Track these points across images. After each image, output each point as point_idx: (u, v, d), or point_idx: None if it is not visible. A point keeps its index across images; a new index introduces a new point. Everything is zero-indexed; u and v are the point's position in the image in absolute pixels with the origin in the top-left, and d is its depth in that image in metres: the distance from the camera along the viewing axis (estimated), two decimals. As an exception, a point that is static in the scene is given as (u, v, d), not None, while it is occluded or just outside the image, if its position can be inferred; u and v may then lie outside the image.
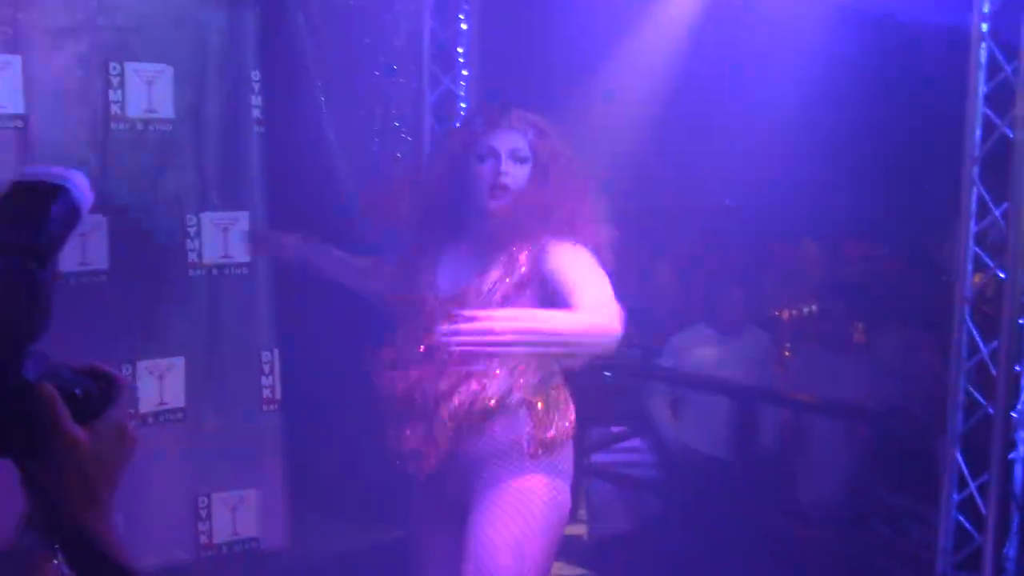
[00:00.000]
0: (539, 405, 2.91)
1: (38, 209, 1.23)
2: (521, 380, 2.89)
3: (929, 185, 5.89)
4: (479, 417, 2.87)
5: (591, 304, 2.64)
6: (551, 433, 2.91)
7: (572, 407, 3.01)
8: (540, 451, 2.89)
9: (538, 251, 2.85)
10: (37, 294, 1.16)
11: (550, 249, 2.84)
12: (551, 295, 2.79)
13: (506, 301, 2.84)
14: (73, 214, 1.26)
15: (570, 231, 2.86)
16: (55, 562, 1.28)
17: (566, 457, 2.98)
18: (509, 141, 2.91)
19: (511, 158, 2.90)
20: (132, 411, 3.72)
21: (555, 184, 2.90)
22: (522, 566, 2.83)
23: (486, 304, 2.82)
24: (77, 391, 1.23)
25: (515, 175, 2.89)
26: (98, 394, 1.25)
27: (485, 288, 2.87)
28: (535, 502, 2.88)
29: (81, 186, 1.27)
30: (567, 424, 2.97)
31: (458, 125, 3.01)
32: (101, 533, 1.24)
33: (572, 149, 3.01)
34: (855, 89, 5.42)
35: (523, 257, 2.86)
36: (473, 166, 2.92)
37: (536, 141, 2.92)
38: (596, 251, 2.85)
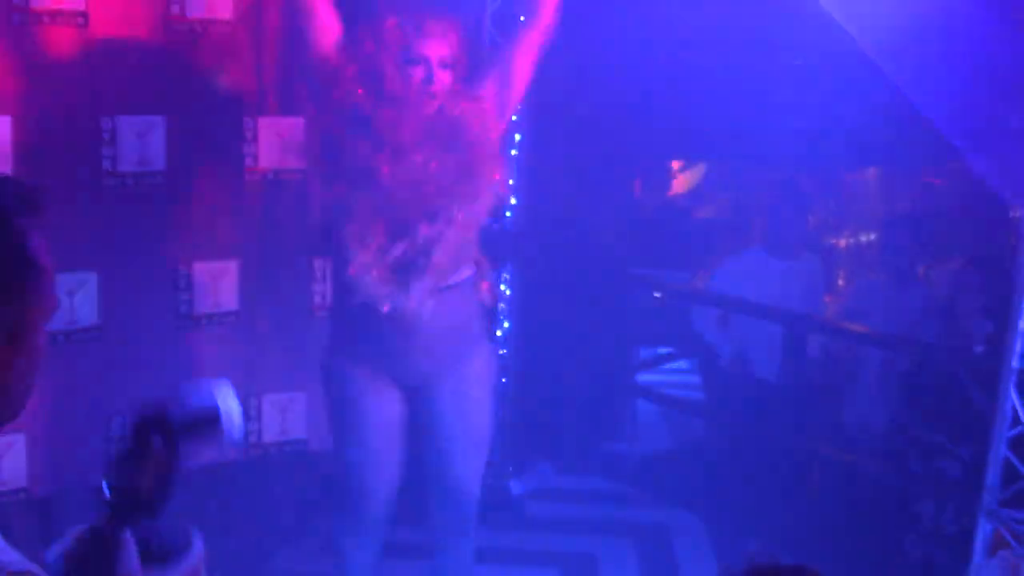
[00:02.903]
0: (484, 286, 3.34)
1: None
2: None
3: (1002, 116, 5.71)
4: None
5: None
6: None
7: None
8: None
9: None
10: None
11: None
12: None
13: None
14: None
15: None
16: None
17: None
18: (438, 48, 2.99)
19: (440, 65, 2.98)
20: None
21: (470, 89, 3.12)
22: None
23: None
24: (154, 545, 1.42)
25: (442, 82, 3.01)
26: (173, 550, 1.44)
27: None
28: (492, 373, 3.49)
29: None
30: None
31: (382, 26, 3.03)
32: None
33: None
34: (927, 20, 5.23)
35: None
36: (402, 70, 2.97)
37: (457, 49, 3.06)
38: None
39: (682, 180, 7.63)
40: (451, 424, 3.36)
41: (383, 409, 3.30)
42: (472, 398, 3.39)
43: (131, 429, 1.44)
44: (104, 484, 1.37)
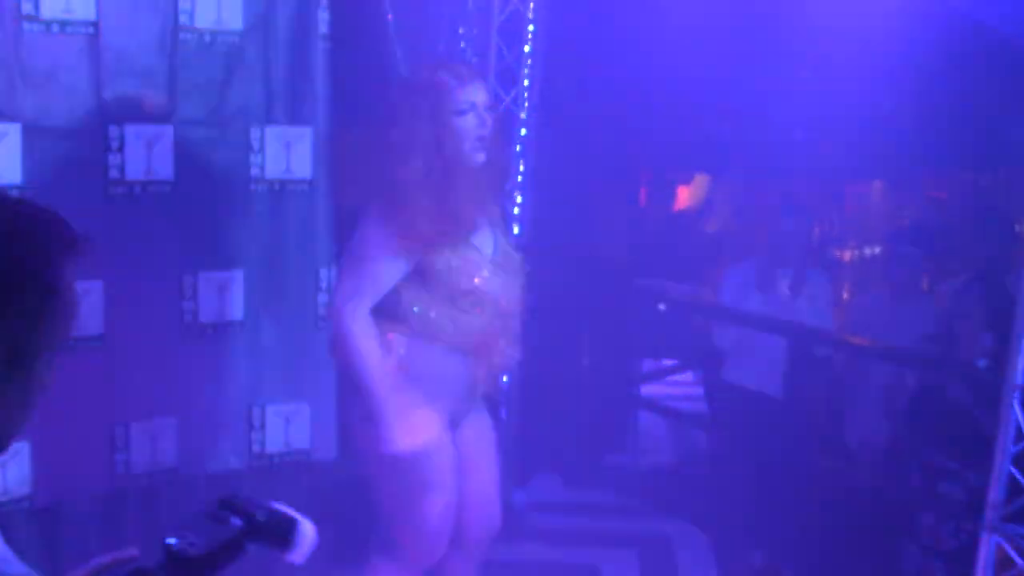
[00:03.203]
0: None
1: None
2: None
3: (1003, 132, 5.73)
4: None
5: None
6: None
7: None
8: None
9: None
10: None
11: None
12: None
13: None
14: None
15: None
16: None
17: None
18: (482, 93, 2.99)
19: (486, 110, 2.99)
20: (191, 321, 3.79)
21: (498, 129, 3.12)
22: None
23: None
24: None
25: (489, 126, 3.00)
26: None
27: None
28: None
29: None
30: None
31: (416, 83, 3.04)
32: None
33: None
34: (930, 28, 5.25)
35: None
36: (452, 121, 2.93)
37: (489, 93, 3.11)
38: None
39: (688, 192, 7.65)
40: (481, 450, 3.35)
41: (451, 456, 3.21)
42: (489, 422, 3.42)
43: (216, 503, 1.47)
44: (173, 539, 1.40)
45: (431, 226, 2.94)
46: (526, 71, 4.71)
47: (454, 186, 2.94)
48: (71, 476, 3.60)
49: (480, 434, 3.35)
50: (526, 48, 4.68)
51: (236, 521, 1.46)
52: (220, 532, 1.44)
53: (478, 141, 2.97)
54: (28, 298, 1.20)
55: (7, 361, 1.18)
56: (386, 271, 3.01)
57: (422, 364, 3.10)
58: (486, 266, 3.06)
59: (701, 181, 7.61)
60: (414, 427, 3.06)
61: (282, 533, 1.52)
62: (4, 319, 1.18)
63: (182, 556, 1.38)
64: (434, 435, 3.12)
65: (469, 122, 2.94)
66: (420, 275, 3.03)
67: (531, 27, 4.67)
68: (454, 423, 3.24)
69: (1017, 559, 3.56)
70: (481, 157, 2.99)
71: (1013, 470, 3.59)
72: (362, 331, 3.01)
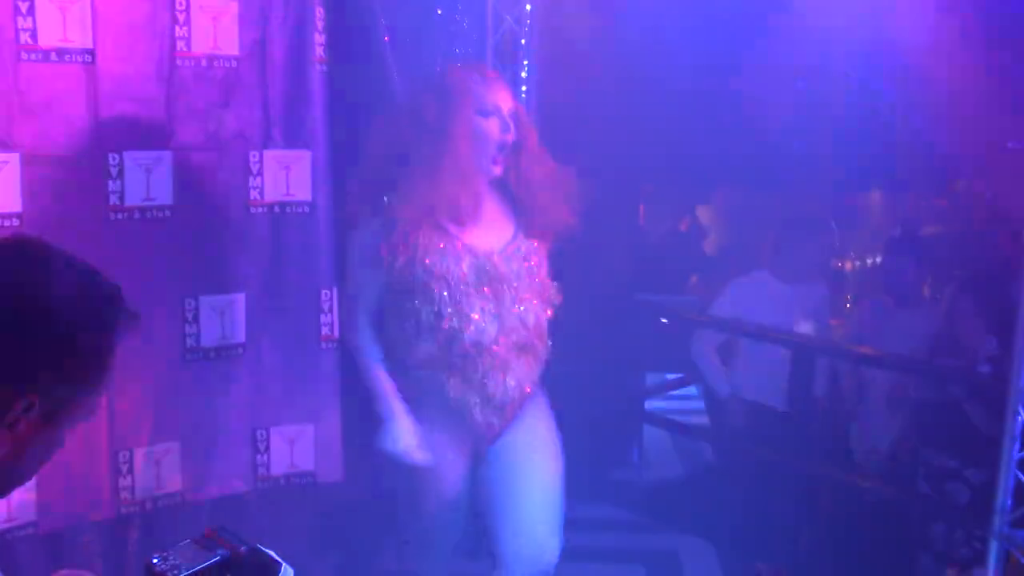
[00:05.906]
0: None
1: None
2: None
3: (1004, 138, 5.73)
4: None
5: None
6: None
7: None
8: None
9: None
10: None
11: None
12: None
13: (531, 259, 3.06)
14: None
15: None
16: None
17: None
18: (506, 99, 2.91)
19: (511, 117, 2.90)
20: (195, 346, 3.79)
21: (535, 153, 3.01)
22: None
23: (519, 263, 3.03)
24: None
25: (513, 135, 2.92)
26: None
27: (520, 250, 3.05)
28: None
29: None
30: None
31: (449, 76, 3.02)
32: None
33: None
34: (932, 37, 5.26)
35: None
36: (474, 122, 2.86)
37: (516, 105, 2.98)
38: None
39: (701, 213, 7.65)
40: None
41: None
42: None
43: (203, 532, 1.48)
44: (156, 558, 1.40)
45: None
46: (523, 90, 4.73)
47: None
48: (75, 502, 3.59)
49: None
50: (523, 70, 4.70)
51: (221, 552, 1.45)
52: (204, 559, 1.43)
53: (501, 147, 2.90)
54: (81, 365, 1.21)
55: (44, 418, 1.20)
56: None
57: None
58: None
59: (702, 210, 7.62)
60: None
61: (263, 573, 1.51)
62: (57, 381, 1.20)
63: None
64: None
65: (490, 124, 2.87)
66: None
67: (523, 40, 4.68)
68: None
69: (1026, 565, 3.56)
70: (497, 171, 2.92)
71: (1020, 475, 3.59)
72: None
